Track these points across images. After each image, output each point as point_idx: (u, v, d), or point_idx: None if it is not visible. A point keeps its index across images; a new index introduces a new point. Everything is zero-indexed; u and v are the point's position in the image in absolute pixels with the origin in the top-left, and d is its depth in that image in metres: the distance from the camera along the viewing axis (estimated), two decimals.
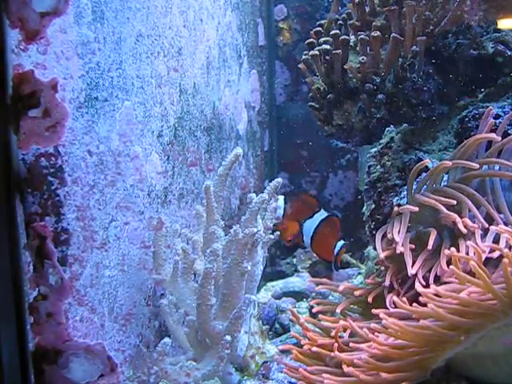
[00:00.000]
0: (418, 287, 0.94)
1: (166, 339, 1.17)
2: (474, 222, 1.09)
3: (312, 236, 1.63)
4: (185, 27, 1.51)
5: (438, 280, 1.07)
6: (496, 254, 0.98)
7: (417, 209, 1.13)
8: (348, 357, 0.98)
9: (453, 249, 0.98)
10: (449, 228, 1.13)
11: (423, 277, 1.09)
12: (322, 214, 1.65)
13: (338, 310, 1.18)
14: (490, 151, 1.16)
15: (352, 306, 1.25)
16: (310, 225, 1.61)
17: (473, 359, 0.96)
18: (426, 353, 0.90)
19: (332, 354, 1.02)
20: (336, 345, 1.04)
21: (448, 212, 1.09)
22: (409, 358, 0.91)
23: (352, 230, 2.15)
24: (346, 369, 0.95)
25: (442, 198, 1.11)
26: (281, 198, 1.68)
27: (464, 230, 1.05)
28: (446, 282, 1.03)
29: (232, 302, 1.24)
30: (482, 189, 1.15)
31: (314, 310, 1.24)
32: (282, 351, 1.37)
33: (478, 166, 1.12)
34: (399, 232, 1.13)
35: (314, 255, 2.24)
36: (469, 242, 1.01)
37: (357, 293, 1.19)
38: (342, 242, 1.67)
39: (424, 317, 0.88)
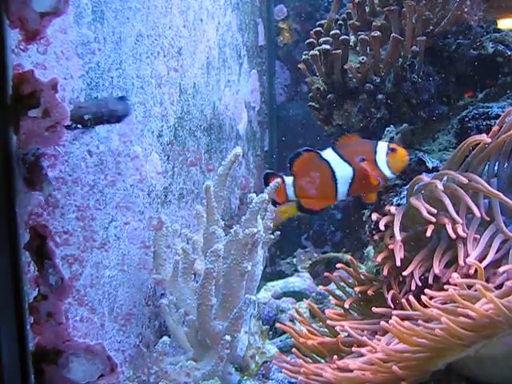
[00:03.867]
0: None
1: (165, 338, 1.16)
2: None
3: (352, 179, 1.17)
4: (185, 27, 1.51)
5: (437, 280, 1.07)
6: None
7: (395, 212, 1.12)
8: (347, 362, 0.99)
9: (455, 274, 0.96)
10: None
11: (421, 277, 1.09)
12: (327, 154, 1.20)
13: (347, 306, 1.18)
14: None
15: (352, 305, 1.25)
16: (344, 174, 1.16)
17: (473, 360, 0.96)
18: (428, 357, 0.90)
19: (332, 363, 1.02)
20: (335, 357, 1.04)
21: (434, 216, 1.08)
22: (410, 362, 0.91)
23: (352, 229, 2.15)
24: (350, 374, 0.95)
25: (428, 207, 1.10)
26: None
27: (453, 236, 1.05)
28: (444, 283, 1.03)
29: (232, 302, 1.24)
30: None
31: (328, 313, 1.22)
32: (282, 352, 1.38)
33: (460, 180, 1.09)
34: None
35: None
36: (470, 260, 1.00)
37: (357, 289, 1.19)
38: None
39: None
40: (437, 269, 1.05)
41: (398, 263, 1.08)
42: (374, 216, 1.18)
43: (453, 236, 1.05)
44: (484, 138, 1.10)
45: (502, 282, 0.94)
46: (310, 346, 1.11)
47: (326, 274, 1.31)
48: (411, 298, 0.95)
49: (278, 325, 1.22)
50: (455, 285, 0.95)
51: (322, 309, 1.29)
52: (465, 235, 1.06)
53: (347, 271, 1.26)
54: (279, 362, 1.16)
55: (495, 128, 1.10)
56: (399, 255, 1.08)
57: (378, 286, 1.18)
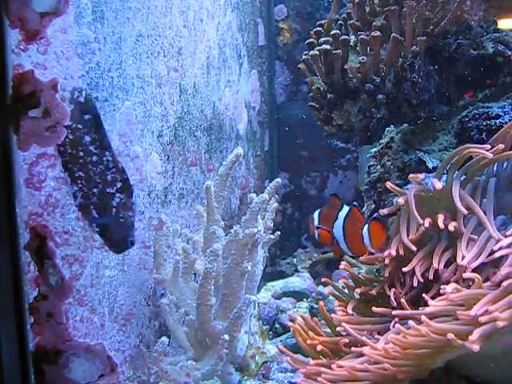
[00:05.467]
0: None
1: (164, 338, 1.17)
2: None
3: (344, 237, 1.35)
4: (185, 27, 1.51)
5: (437, 280, 1.08)
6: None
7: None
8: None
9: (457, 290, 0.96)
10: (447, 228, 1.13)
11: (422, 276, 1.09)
12: (344, 211, 1.36)
13: (350, 310, 1.18)
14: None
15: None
16: (337, 227, 1.35)
17: (473, 359, 0.97)
18: (427, 354, 0.91)
19: (333, 366, 1.02)
20: (335, 363, 1.04)
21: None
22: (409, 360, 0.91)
23: None
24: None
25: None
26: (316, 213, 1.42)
27: (442, 226, 1.06)
28: (444, 283, 1.03)
29: (232, 302, 1.24)
30: (473, 192, 1.14)
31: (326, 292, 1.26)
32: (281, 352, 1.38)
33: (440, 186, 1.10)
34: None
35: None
36: (469, 274, 1.00)
37: (358, 290, 1.19)
38: (365, 227, 1.32)
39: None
40: (436, 264, 1.06)
41: (393, 252, 1.08)
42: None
43: (441, 226, 1.05)
44: (484, 151, 1.09)
45: (502, 281, 0.94)
46: (320, 350, 1.11)
47: (324, 279, 1.30)
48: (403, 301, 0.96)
49: (290, 324, 1.21)
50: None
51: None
52: (452, 229, 1.06)
53: (348, 272, 1.26)
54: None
55: (500, 146, 1.09)
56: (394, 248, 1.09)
57: (379, 286, 1.18)
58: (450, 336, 0.83)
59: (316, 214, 1.40)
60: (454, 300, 0.91)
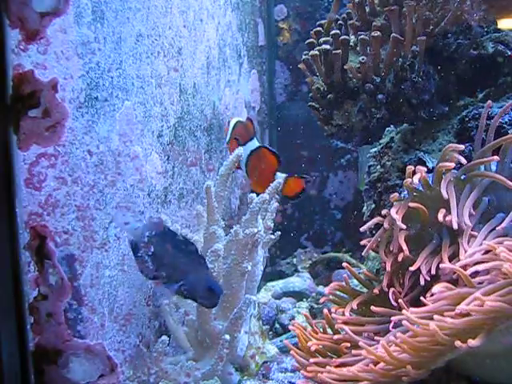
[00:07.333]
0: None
1: (164, 337, 1.17)
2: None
3: (246, 164, 1.58)
4: (185, 27, 1.51)
5: (437, 278, 1.08)
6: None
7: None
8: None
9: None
10: (448, 227, 1.14)
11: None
12: (253, 145, 1.60)
13: (347, 313, 1.17)
14: (484, 149, 1.16)
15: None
16: (244, 153, 1.48)
17: (473, 359, 0.97)
18: (427, 356, 0.91)
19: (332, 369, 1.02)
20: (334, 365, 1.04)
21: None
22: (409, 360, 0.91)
23: (352, 229, 2.16)
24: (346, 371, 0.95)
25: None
26: (233, 120, 1.67)
27: (441, 219, 1.06)
28: (444, 281, 1.03)
29: (232, 302, 1.24)
30: (471, 192, 1.14)
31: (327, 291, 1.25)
32: (282, 352, 1.38)
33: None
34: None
35: (315, 255, 2.25)
36: (451, 266, 1.01)
37: (354, 304, 1.18)
38: (282, 174, 1.53)
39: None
40: (445, 259, 1.06)
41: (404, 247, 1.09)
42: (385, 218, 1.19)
43: (440, 219, 1.05)
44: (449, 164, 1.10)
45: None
46: (320, 351, 1.11)
47: (325, 295, 1.29)
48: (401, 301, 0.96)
49: (290, 327, 1.20)
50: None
51: (322, 309, 1.29)
52: (449, 222, 1.06)
53: (350, 271, 1.26)
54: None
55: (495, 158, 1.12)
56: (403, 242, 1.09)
57: (379, 287, 1.18)
58: (456, 343, 0.83)
59: (233, 123, 1.61)
60: (447, 298, 0.92)
